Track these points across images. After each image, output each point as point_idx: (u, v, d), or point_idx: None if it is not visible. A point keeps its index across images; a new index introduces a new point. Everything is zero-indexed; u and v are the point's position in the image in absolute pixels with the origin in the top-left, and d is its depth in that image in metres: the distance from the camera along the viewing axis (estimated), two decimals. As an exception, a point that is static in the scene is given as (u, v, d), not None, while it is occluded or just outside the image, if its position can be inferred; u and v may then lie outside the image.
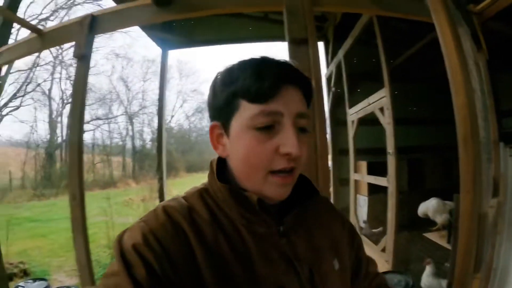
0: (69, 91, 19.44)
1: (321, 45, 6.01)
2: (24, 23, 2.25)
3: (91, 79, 23.40)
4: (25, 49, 2.24)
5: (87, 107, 20.79)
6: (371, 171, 4.52)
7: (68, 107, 19.71)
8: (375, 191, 4.59)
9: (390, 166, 3.58)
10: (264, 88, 0.58)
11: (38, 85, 18.42)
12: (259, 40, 5.07)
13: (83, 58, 1.79)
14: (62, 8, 17.96)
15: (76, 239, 1.87)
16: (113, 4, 2.66)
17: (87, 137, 20.98)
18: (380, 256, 3.64)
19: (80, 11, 16.39)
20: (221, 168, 0.67)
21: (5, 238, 4.91)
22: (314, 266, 0.65)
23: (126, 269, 0.52)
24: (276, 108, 0.58)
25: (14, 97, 16.89)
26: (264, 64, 0.61)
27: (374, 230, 4.38)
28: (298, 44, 1.42)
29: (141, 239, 0.54)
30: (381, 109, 3.83)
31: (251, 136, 0.59)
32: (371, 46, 4.02)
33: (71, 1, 16.78)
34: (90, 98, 20.46)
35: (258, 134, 0.59)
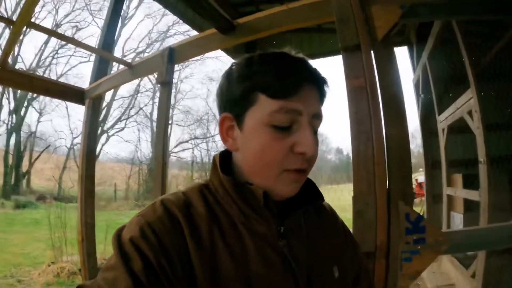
0: (169, 113, 22.74)
1: (404, 49, 5.81)
2: (116, 60, 2.75)
3: (188, 102, 26.38)
4: (119, 79, 2.71)
5: (186, 128, 23.43)
6: (467, 185, 4.03)
7: (169, 128, 22.83)
8: (473, 208, 4.00)
9: (481, 177, 3.26)
10: (288, 84, 0.59)
11: (141, 109, 21.51)
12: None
13: (165, 84, 2.12)
14: (156, 41, 20.67)
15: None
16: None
17: (186, 154, 23.89)
18: (469, 282, 3.35)
19: (172, 41, 18.87)
20: (225, 162, 0.68)
21: (103, 238, 5.73)
22: (313, 272, 0.65)
23: (124, 262, 0.52)
24: (296, 106, 0.59)
25: (119, 120, 20.04)
26: (287, 60, 0.62)
27: (468, 253, 3.86)
28: (352, 51, 1.50)
29: (138, 232, 0.55)
30: (470, 113, 3.57)
31: (268, 132, 0.59)
32: (456, 44, 3.76)
33: (164, 34, 19.19)
34: (188, 119, 23.43)
35: (275, 131, 0.59)
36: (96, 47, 3.20)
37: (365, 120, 1.41)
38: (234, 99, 0.63)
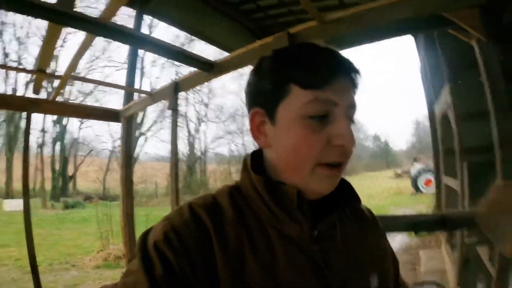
0: (203, 112, 24.01)
1: (410, 38, 6.28)
2: (139, 91, 3.85)
3: (218, 101, 27.83)
4: (143, 104, 3.76)
5: (220, 124, 25.31)
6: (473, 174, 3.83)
7: (203, 125, 24.03)
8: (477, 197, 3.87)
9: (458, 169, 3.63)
10: (321, 74, 0.58)
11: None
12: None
13: (173, 110, 3.12)
14: (183, 44, 22.14)
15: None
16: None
17: (222, 149, 25.56)
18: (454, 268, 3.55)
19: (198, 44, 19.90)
20: (256, 162, 0.67)
21: (143, 229, 7.22)
22: (349, 281, 0.63)
23: (144, 267, 0.54)
24: (330, 96, 0.58)
25: (155, 122, 21.82)
26: (318, 51, 0.62)
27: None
28: None
29: (162, 236, 0.56)
30: (448, 105, 4.04)
31: (303, 124, 0.59)
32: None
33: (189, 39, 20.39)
34: (222, 116, 24.91)
35: (311, 123, 0.58)
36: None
37: None
38: (265, 93, 0.63)
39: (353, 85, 0.62)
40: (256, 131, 0.66)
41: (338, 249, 0.65)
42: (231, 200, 0.64)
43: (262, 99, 0.64)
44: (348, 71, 0.61)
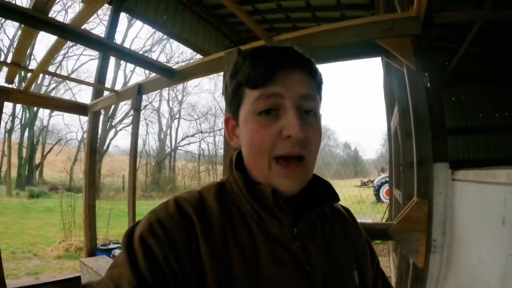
0: (176, 108, 23.72)
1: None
2: (106, 89, 3.94)
3: (194, 98, 27.69)
4: (109, 101, 3.91)
5: (192, 122, 24.91)
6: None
7: (176, 121, 23.71)
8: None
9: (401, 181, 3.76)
10: (261, 72, 0.60)
11: (148, 104, 22.66)
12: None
13: (136, 110, 3.23)
14: (161, 40, 22.00)
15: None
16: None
17: (192, 148, 24.57)
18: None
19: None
20: (240, 162, 0.68)
21: (106, 223, 7.65)
22: (330, 276, 0.64)
23: (129, 259, 0.54)
24: (275, 90, 0.60)
25: (126, 115, 21.42)
26: (261, 50, 0.65)
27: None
28: None
29: (147, 228, 0.56)
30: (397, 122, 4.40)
31: (254, 120, 0.61)
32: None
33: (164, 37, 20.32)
34: (195, 114, 24.56)
35: (261, 118, 0.61)
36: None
37: None
38: (229, 101, 0.67)
39: (310, 77, 0.64)
40: (231, 133, 0.70)
41: (318, 246, 0.66)
42: (217, 196, 0.65)
43: (229, 105, 0.68)
44: (295, 64, 0.63)
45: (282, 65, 0.61)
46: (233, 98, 0.66)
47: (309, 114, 0.62)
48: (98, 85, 4.21)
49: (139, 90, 3.18)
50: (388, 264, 5.18)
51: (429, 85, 2.12)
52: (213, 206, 0.63)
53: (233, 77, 0.65)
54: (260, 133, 0.60)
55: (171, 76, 2.89)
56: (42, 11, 2.14)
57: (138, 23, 22.02)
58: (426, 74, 2.11)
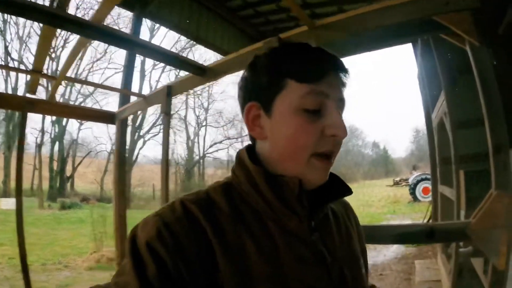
0: (202, 116, 24.17)
1: (409, 45, 6.23)
2: (133, 94, 3.84)
3: (220, 105, 27.96)
4: (137, 107, 3.76)
5: (219, 129, 25.34)
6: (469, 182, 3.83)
7: (203, 129, 24.13)
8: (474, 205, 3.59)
9: (454, 176, 3.59)
10: (316, 69, 0.62)
11: (174, 113, 23.16)
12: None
13: (166, 113, 3.08)
14: (184, 49, 22.27)
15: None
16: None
17: (221, 154, 25.21)
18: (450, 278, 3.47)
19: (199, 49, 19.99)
20: (251, 157, 0.67)
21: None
22: (346, 266, 0.66)
23: (136, 267, 0.53)
24: (324, 89, 0.61)
25: (154, 125, 21.82)
26: (311, 48, 0.65)
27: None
28: None
29: (155, 233, 0.55)
30: (445, 114, 4.02)
31: (300, 116, 0.61)
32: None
33: (191, 42, 20.52)
34: (221, 120, 24.98)
35: (307, 115, 0.61)
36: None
37: None
38: (261, 87, 0.65)
39: (342, 81, 0.65)
40: (252, 123, 0.67)
41: (333, 237, 0.69)
42: (225, 195, 0.64)
43: (258, 93, 0.65)
44: (337, 68, 0.64)
45: (333, 66, 0.63)
46: (268, 87, 0.64)
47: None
48: (125, 90, 4.08)
49: (169, 92, 3.00)
50: (437, 266, 4.89)
51: (495, 63, 1.87)
52: (222, 205, 0.62)
53: (274, 66, 0.64)
54: (307, 129, 0.61)
55: (202, 73, 2.71)
56: (61, 8, 2.03)
57: (159, 34, 22.32)
58: (493, 50, 1.87)
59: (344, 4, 4.31)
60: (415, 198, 15.50)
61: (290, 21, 5.05)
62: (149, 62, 22.18)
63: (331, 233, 0.69)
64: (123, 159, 4.29)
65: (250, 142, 0.73)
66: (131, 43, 2.57)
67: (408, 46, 6.23)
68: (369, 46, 2.43)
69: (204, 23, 4.98)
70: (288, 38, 2.23)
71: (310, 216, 0.65)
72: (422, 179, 15.53)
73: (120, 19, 19.13)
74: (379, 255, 6.59)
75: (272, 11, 4.84)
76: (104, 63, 21.11)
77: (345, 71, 0.65)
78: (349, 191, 0.70)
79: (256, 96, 0.66)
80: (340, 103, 0.65)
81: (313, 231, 0.65)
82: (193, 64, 2.70)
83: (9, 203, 12.99)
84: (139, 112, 20.26)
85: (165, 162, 3.06)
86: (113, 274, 0.57)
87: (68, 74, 3.33)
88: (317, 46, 0.67)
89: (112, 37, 2.34)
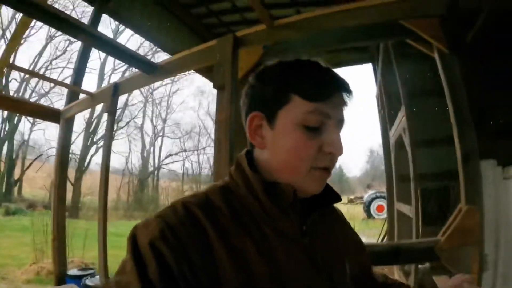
0: (160, 126, 23.05)
1: (369, 66, 6.18)
2: (83, 91, 3.45)
3: (179, 115, 27.19)
4: (83, 105, 3.40)
5: (176, 140, 24.24)
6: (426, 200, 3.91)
7: (159, 139, 23.10)
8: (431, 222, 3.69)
9: (412, 193, 3.48)
10: (324, 89, 0.63)
11: (130, 120, 22.15)
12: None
13: (110, 112, 2.74)
14: (146, 55, 21.56)
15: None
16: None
17: (176, 166, 24.17)
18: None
19: (162, 56, 19.79)
20: (249, 163, 0.68)
21: (82, 244, 6.96)
22: (333, 266, 0.69)
23: (137, 267, 0.52)
24: (328, 109, 0.63)
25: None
26: (321, 67, 0.66)
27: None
28: (220, 90, 1.97)
29: (158, 234, 0.54)
30: (404, 130, 3.85)
31: (301, 131, 0.62)
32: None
33: (154, 49, 19.85)
34: (178, 132, 24.03)
35: (308, 131, 0.62)
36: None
37: (224, 146, 1.91)
38: (267, 99, 0.66)
39: (345, 103, 0.67)
40: (254, 132, 0.68)
41: (322, 240, 0.70)
42: (224, 198, 0.64)
43: (263, 104, 0.66)
44: (344, 90, 0.65)
45: (337, 88, 0.64)
46: (274, 99, 0.65)
47: None
48: (73, 86, 3.68)
49: (115, 90, 2.69)
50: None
51: (463, 70, 1.77)
52: (222, 208, 0.62)
53: (281, 80, 0.65)
54: (307, 144, 0.63)
55: (152, 71, 2.44)
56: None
57: (123, 37, 21.54)
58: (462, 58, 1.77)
59: (301, 6, 4.17)
60: (369, 215, 15.85)
61: (244, 24, 4.75)
62: (108, 65, 21.03)
63: (321, 238, 0.71)
64: (65, 162, 3.86)
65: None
66: (77, 29, 2.25)
67: (368, 66, 6.30)
68: (331, 46, 2.30)
69: (165, 25, 4.66)
70: (245, 37, 2.09)
71: (302, 221, 0.67)
72: (377, 197, 15.93)
73: (84, 18, 18.32)
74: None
75: (225, 11, 4.56)
76: (63, 61, 19.74)
77: (349, 93, 0.66)
78: (338, 199, 0.74)
79: (261, 106, 0.67)
80: (340, 123, 0.67)
81: (305, 235, 0.66)
82: (142, 60, 2.40)
83: None
84: (93, 117, 19.27)
85: (105, 167, 2.71)
86: (115, 273, 0.56)
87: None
88: (326, 67, 0.67)
89: (55, 18, 2.02)
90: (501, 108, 1.83)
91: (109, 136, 2.81)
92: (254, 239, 0.60)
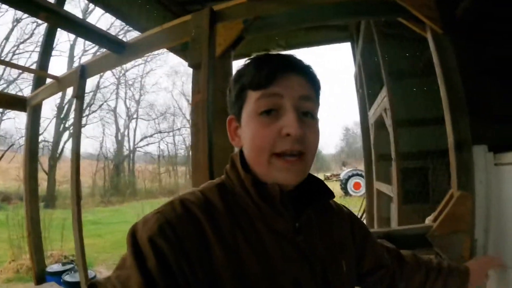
0: (133, 108, 22.25)
1: (348, 45, 6.01)
2: (48, 76, 3.17)
3: (152, 96, 26.35)
4: (50, 90, 3.14)
5: (151, 122, 23.57)
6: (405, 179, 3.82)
7: (133, 121, 22.38)
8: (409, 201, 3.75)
9: (393, 173, 3.41)
10: (264, 74, 0.64)
11: (103, 103, 21.23)
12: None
13: (78, 97, 2.51)
14: (118, 34, 20.47)
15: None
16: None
17: (152, 148, 23.63)
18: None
19: (134, 35, 18.99)
20: (242, 161, 0.70)
21: (60, 235, 6.70)
22: (327, 265, 0.69)
23: (137, 262, 0.53)
24: (276, 90, 0.64)
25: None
26: (265, 56, 0.69)
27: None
28: (196, 69, 1.81)
29: (157, 230, 0.55)
30: (385, 110, 3.78)
31: (256, 120, 0.64)
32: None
33: (126, 27, 18.89)
34: (153, 113, 23.33)
35: (262, 118, 0.64)
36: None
37: (202, 131, 1.74)
38: (232, 101, 0.71)
39: (308, 80, 0.68)
40: (233, 134, 0.73)
41: (316, 238, 0.71)
42: (221, 196, 0.65)
43: (232, 107, 0.71)
44: (295, 68, 0.67)
45: (283, 68, 0.65)
46: (237, 100, 0.69)
47: (307, 116, 0.66)
48: (39, 71, 3.39)
49: (82, 72, 2.46)
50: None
51: (458, 51, 1.66)
52: (219, 206, 0.63)
53: (237, 81, 0.69)
54: (262, 132, 0.64)
55: (121, 51, 2.22)
56: None
57: (95, 15, 20.33)
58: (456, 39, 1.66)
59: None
60: (346, 193, 16.07)
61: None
62: (78, 46, 19.79)
63: (314, 235, 0.71)
64: (34, 153, 3.60)
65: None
66: (37, 6, 2.00)
67: (345, 46, 6.17)
68: (316, 22, 2.15)
69: (138, 2, 4.31)
70: (223, 11, 1.91)
71: (295, 218, 0.67)
72: (353, 175, 16.14)
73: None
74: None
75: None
76: (31, 45, 18.48)
77: (306, 70, 0.68)
78: (331, 196, 0.76)
79: (231, 109, 0.72)
80: (302, 100, 0.66)
81: (298, 232, 0.67)
82: (110, 39, 2.17)
83: None
84: (65, 102, 18.34)
85: (76, 156, 2.50)
86: (116, 264, 0.56)
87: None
88: (277, 53, 0.69)
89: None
90: (493, 92, 1.78)
91: (78, 122, 2.59)
92: (248, 237, 0.62)
